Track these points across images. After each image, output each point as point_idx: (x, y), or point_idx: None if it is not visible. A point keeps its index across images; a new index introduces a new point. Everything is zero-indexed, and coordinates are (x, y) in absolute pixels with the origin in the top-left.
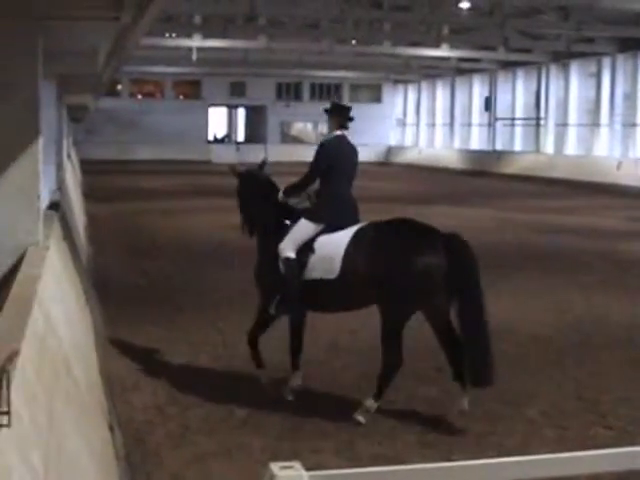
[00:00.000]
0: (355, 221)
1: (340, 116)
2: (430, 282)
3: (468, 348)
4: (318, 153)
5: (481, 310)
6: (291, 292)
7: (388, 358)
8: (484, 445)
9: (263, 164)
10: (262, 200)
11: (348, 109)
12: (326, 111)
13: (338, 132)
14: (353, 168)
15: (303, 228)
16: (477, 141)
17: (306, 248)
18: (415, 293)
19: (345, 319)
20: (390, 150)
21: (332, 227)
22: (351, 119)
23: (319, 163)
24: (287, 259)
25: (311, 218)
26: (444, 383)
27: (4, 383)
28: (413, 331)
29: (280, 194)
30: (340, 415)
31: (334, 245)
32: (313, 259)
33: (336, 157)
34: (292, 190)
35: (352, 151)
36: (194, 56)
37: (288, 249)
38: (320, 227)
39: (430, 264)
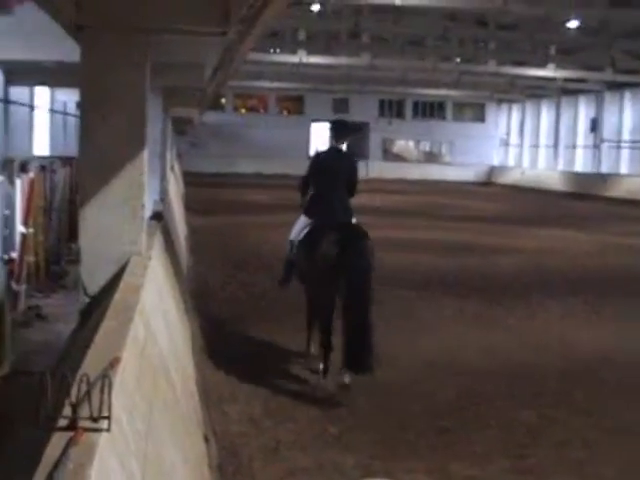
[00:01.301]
0: (335, 220)
1: (336, 131)
2: (322, 270)
3: (345, 334)
4: (309, 164)
5: (360, 304)
6: (285, 267)
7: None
8: (582, 474)
9: None
10: None
11: (343, 124)
12: (331, 129)
13: (333, 144)
14: (341, 175)
15: (301, 220)
16: (582, 163)
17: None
18: (312, 277)
19: (444, 337)
20: (492, 170)
21: (317, 222)
22: (348, 133)
23: (309, 171)
24: (289, 241)
25: (304, 213)
26: (542, 408)
27: (106, 389)
28: (509, 354)
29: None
30: (434, 435)
31: (301, 235)
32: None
33: (322, 165)
34: (301, 196)
35: (341, 160)
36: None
37: (291, 234)
38: (309, 221)
39: (323, 256)
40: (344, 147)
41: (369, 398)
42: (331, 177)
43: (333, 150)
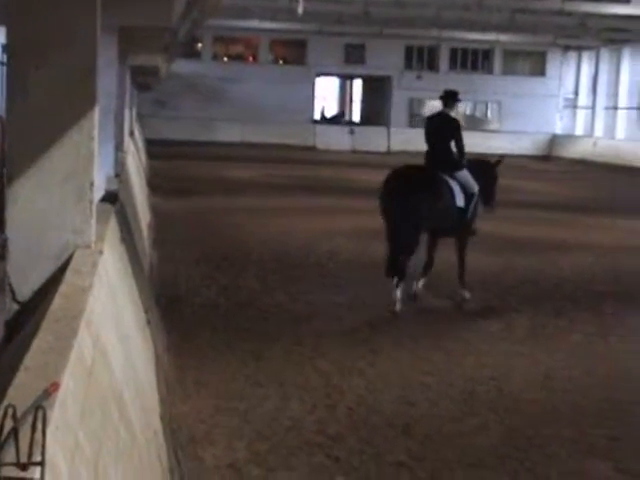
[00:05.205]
0: (429, 169)
1: (445, 99)
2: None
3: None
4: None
5: (395, 244)
6: None
7: None
8: None
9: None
10: None
11: (451, 94)
12: (441, 97)
13: (442, 110)
14: (442, 135)
15: None
16: None
17: None
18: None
19: (488, 361)
20: (554, 140)
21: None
22: (455, 101)
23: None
24: None
25: None
26: (621, 459)
27: (38, 425)
28: (573, 384)
29: None
30: None
31: None
32: None
33: (428, 127)
34: None
35: (443, 123)
36: (300, 9)
37: None
38: None
39: (385, 198)
40: (452, 112)
41: (390, 439)
42: (434, 136)
43: (439, 114)
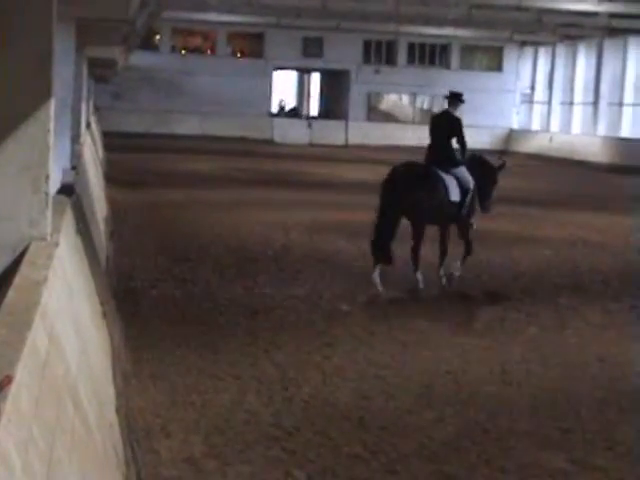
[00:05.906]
0: (429, 164)
1: (450, 99)
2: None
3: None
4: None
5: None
6: None
7: None
8: None
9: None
10: None
11: (455, 95)
12: (446, 97)
13: (447, 109)
14: (445, 132)
15: None
16: (630, 127)
17: None
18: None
19: (445, 354)
20: (511, 135)
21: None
22: (459, 101)
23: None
24: None
25: None
26: (574, 450)
27: None
28: (529, 376)
29: None
30: None
31: None
32: None
33: (432, 124)
34: None
35: (446, 121)
36: None
37: None
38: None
39: (383, 193)
40: (456, 111)
41: (346, 432)
42: (437, 133)
43: (443, 113)
